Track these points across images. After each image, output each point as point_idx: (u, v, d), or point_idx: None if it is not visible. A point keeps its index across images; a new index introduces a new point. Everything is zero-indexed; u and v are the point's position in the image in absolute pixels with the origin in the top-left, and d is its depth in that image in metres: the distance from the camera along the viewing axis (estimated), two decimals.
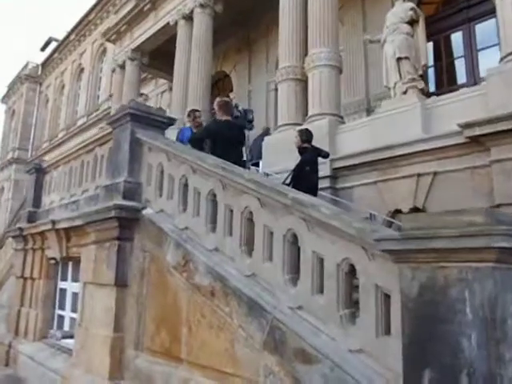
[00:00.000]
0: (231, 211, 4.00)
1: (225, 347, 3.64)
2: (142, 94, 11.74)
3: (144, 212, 5.06)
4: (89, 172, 6.65)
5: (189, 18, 11.73)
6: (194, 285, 4.07)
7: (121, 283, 4.98)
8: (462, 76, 9.38)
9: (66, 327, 7.04)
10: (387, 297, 2.77)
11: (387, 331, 2.74)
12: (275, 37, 12.37)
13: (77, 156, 7.14)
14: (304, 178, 5.54)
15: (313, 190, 5.27)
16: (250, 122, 5.93)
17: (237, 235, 3.87)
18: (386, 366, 2.67)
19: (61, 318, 7.33)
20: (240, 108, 6.35)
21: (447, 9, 9.65)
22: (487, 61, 9.09)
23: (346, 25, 10.65)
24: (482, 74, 8.95)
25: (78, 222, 5.88)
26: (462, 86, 9.12)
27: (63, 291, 7.36)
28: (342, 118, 7.97)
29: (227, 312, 3.66)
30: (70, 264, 7.16)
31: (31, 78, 30.60)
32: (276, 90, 12.44)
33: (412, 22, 6.98)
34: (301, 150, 5.97)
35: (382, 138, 6.43)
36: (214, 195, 4.22)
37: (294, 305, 3.24)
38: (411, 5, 7.05)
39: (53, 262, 7.44)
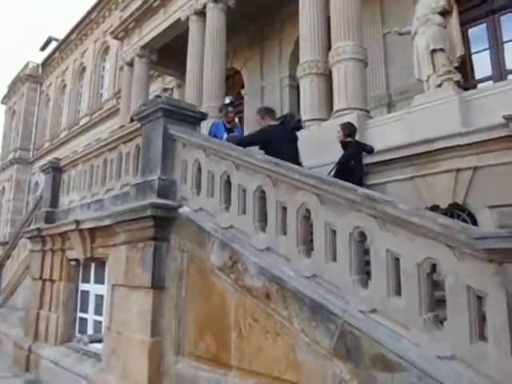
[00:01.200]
0: (284, 209, 3.78)
1: (284, 353, 3.43)
2: (166, 89, 11.48)
3: (181, 211, 4.84)
4: (113, 170, 6.40)
5: (201, 13, 11.48)
6: (244, 287, 3.85)
7: (158, 285, 4.77)
8: (486, 69, 9.16)
9: (90, 331, 6.81)
10: (479, 299, 2.57)
11: (481, 336, 2.54)
12: (289, 33, 12.27)
13: (98, 154, 6.89)
14: (349, 172, 5.36)
15: (358, 186, 5.08)
16: (299, 121, 5.87)
17: (292, 234, 3.66)
18: (483, 374, 2.46)
19: (83, 321, 7.10)
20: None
21: (470, 0, 9.43)
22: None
23: (364, 19, 10.36)
24: (508, 66, 8.82)
25: (106, 222, 5.65)
26: (488, 79, 8.96)
27: (85, 293, 7.13)
28: (368, 112, 7.76)
29: (285, 316, 3.44)
30: (93, 265, 6.93)
31: (32, 77, 30.28)
32: (290, 86, 12.37)
33: (444, 13, 6.76)
34: (344, 145, 5.78)
35: (418, 132, 6.20)
36: (263, 192, 4.01)
37: (366, 308, 3.03)
38: None
39: (74, 263, 7.21)
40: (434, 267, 2.82)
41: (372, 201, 3.03)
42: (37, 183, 27.95)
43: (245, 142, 5.47)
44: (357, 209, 3.18)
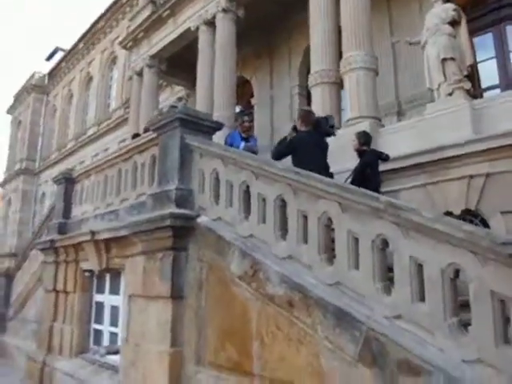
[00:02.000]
0: (305, 217, 3.88)
1: (307, 361, 3.51)
2: (180, 99, 11.64)
3: (199, 220, 4.95)
4: (128, 180, 6.53)
5: (210, 23, 11.67)
6: (266, 295, 3.94)
7: (177, 295, 4.86)
8: (493, 78, 9.24)
9: (105, 342, 6.89)
10: (502, 303, 2.65)
11: (506, 340, 2.62)
12: (297, 42, 12.43)
13: (112, 164, 7.02)
14: (366, 180, 5.45)
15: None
16: (332, 127, 5.85)
17: (314, 242, 3.75)
18: (509, 376, 2.54)
19: (97, 332, 7.19)
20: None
21: (476, 10, 9.54)
22: None
23: (373, 28, 10.51)
24: None
25: (122, 232, 5.76)
26: (495, 87, 9.06)
27: (100, 305, 7.22)
28: (380, 120, 7.87)
29: (309, 323, 3.53)
30: (108, 276, 7.03)
31: (38, 88, 30.61)
32: (300, 94, 12.50)
33: (453, 23, 6.88)
34: (360, 153, 5.88)
35: (430, 139, 6.31)
36: (283, 201, 4.11)
37: (390, 314, 3.11)
38: (453, 5, 6.95)
39: (88, 274, 7.31)
40: (457, 272, 2.91)
41: (396, 208, 3.12)
42: (43, 194, 28.17)
43: (276, 155, 5.58)
44: (379, 216, 3.27)
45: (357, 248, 3.44)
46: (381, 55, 10.06)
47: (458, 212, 6.17)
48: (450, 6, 7.02)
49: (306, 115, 5.89)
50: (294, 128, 5.81)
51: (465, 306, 2.88)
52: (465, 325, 2.82)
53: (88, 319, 7.31)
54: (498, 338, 2.62)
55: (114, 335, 6.73)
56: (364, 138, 6.06)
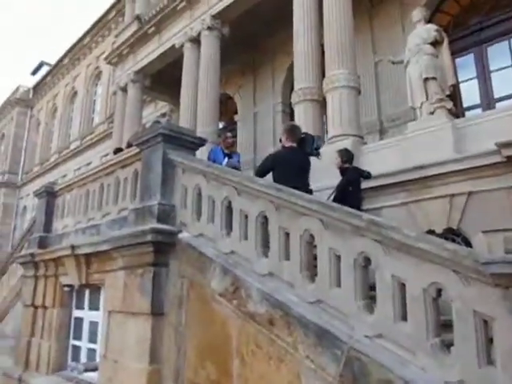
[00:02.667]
0: (287, 234, 3.82)
1: (288, 380, 3.41)
2: (164, 114, 11.58)
3: (180, 236, 4.85)
4: (110, 195, 6.41)
5: (196, 40, 11.72)
6: (247, 313, 3.85)
7: (157, 312, 4.73)
8: (474, 97, 9.39)
9: (83, 359, 6.69)
10: (485, 323, 2.61)
11: (489, 361, 2.57)
12: (281, 59, 12.53)
13: (94, 179, 6.89)
14: (347, 198, 5.43)
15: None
16: (318, 149, 5.62)
17: (296, 259, 3.68)
18: None
19: (76, 348, 6.98)
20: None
21: (457, 31, 9.72)
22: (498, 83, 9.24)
23: (356, 47, 10.63)
24: (496, 95, 9.07)
25: (104, 247, 5.62)
26: (476, 107, 9.20)
27: (79, 320, 7.02)
28: (362, 138, 7.91)
29: (290, 342, 3.44)
30: (87, 291, 6.86)
31: (22, 101, 30.35)
32: (283, 111, 12.56)
33: (435, 43, 6.98)
34: (342, 170, 5.87)
35: (412, 158, 6.34)
36: (265, 217, 4.04)
37: (372, 333, 3.05)
38: (435, 26, 7.07)
39: (67, 289, 7.12)
40: (439, 292, 2.86)
41: (378, 226, 3.08)
42: (25, 208, 27.72)
43: (258, 172, 5.41)
44: (361, 234, 3.22)
45: (339, 265, 3.38)
46: (363, 74, 10.20)
47: (440, 231, 6.19)
48: (432, 26, 7.14)
49: (292, 130, 5.67)
50: (280, 141, 5.67)
51: (447, 325, 2.83)
52: (447, 345, 2.77)
53: (66, 335, 7.09)
54: (481, 359, 2.56)
55: (92, 351, 6.54)
56: (346, 156, 6.07)
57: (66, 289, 7.13)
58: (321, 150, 7.15)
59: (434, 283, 2.81)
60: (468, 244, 5.94)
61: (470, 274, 2.64)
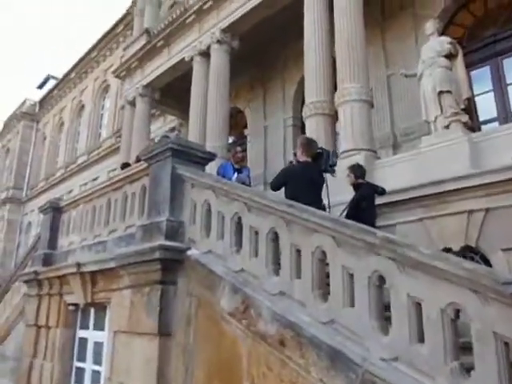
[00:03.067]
0: (298, 251, 3.81)
1: None
2: (173, 129, 11.69)
3: (189, 253, 4.85)
4: (117, 211, 6.45)
5: (205, 53, 11.87)
6: (257, 333, 3.82)
7: (164, 332, 4.72)
8: (491, 111, 9.36)
9: (87, 381, 6.65)
10: (506, 346, 2.57)
11: None
12: (292, 73, 12.61)
13: (101, 194, 6.95)
14: (361, 215, 5.40)
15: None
16: (333, 165, 5.57)
17: (307, 278, 3.67)
18: None
19: (80, 370, 6.95)
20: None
21: (472, 44, 9.75)
22: None
23: (368, 60, 10.73)
24: None
25: (110, 265, 5.64)
26: (493, 120, 9.17)
27: (83, 341, 7.00)
28: (375, 152, 7.91)
29: (302, 364, 3.40)
30: (92, 311, 6.85)
31: (28, 115, 30.78)
32: (294, 125, 12.60)
33: (449, 56, 7.01)
34: (355, 186, 5.87)
35: (428, 173, 6.32)
36: (276, 234, 4.04)
37: (387, 356, 3.01)
38: (449, 39, 7.11)
39: (72, 308, 7.13)
40: (457, 312, 2.83)
41: (392, 244, 3.06)
42: (30, 224, 27.89)
43: (273, 187, 5.41)
44: (376, 252, 3.20)
45: (352, 284, 3.36)
46: (376, 87, 10.27)
47: (457, 248, 6.14)
48: (446, 39, 7.17)
49: (308, 145, 5.61)
50: (295, 154, 5.65)
51: (466, 348, 2.79)
52: (467, 369, 2.73)
53: (70, 356, 7.07)
54: (502, 383, 2.52)
55: (96, 374, 6.50)
56: (359, 171, 6.08)
57: (70, 308, 7.13)
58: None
59: (452, 303, 2.78)
60: (487, 262, 5.88)
61: (489, 294, 2.60)
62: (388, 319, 3.17)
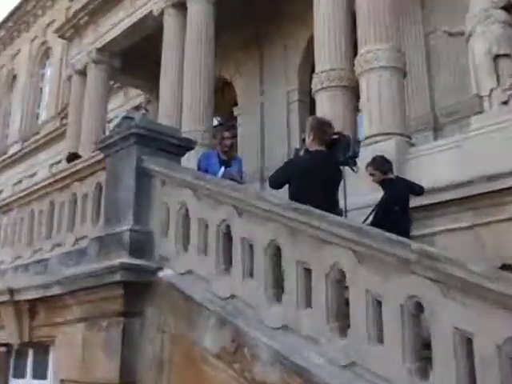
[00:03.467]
0: (308, 270, 3.84)
1: None
2: (138, 107, 11.69)
3: (161, 274, 4.90)
4: (63, 218, 6.49)
5: (181, 4, 11.87)
6: (253, 380, 3.86)
7: (128, 379, 4.76)
8: None
9: None
10: None
11: None
12: (297, 31, 12.62)
13: (42, 195, 6.98)
14: (392, 221, 5.44)
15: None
16: (354, 157, 5.38)
17: (320, 306, 3.70)
18: None
19: None
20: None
21: None
22: None
23: (400, 15, 10.79)
24: None
25: (55, 291, 5.67)
26: None
27: None
28: (410, 138, 7.96)
29: None
30: (31, 352, 6.86)
31: None
32: (300, 102, 12.62)
33: (509, 8, 7.05)
34: (384, 184, 5.90)
35: (479, 165, 6.36)
36: (277, 248, 4.07)
37: None
38: None
39: (3, 350, 7.13)
40: None
41: (432, 259, 3.09)
42: None
43: (274, 183, 5.31)
44: (411, 270, 3.24)
45: (380, 313, 3.39)
46: (410, 50, 10.29)
47: None
48: None
49: (320, 129, 5.35)
50: (303, 141, 5.52)
51: None
52: None
53: None
54: None
55: None
56: (387, 165, 6.10)
57: (0, 349, 7.13)
58: None
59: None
60: None
61: None
62: (428, 359, 3.21)
